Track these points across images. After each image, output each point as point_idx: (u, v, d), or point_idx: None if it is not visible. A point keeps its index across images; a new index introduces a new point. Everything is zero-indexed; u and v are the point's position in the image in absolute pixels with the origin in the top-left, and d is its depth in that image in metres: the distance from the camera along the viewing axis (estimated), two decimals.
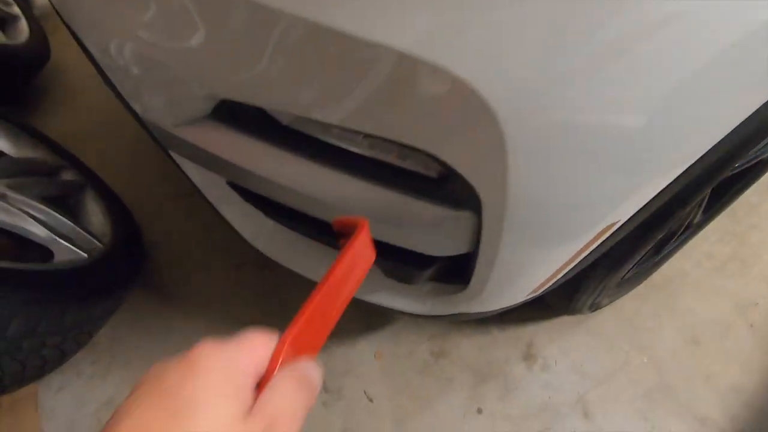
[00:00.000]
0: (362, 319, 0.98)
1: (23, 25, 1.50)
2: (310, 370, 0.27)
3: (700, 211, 0.93)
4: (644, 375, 0.95)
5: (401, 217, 0.48)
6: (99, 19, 0.50)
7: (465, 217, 0.45)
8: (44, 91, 1.52)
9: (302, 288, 0.72)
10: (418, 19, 0.32)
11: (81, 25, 0.55)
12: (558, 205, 0.41)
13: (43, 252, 0.80)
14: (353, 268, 0.34)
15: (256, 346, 0.26)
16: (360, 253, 0.34)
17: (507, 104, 0.33)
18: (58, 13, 0.61)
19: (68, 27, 0.59)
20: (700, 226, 1.00)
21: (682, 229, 0.93)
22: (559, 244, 0.47)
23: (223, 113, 0.52)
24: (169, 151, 0.62)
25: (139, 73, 0.52)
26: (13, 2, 1.55)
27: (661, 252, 0.98)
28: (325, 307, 0.30)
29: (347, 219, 0.37)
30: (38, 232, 0.78)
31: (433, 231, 0.48)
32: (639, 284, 1.03)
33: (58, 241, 0.79)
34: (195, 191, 0.70)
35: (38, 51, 1.49)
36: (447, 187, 0.45)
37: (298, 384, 0.26)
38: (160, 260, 1.08)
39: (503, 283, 0.54)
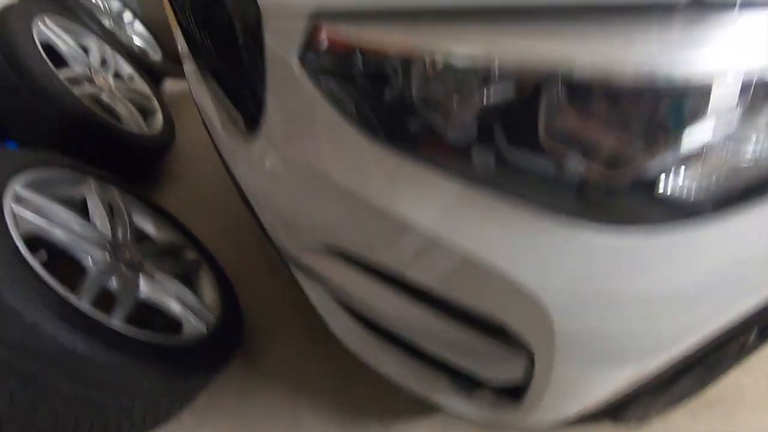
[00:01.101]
0: (415, 404, 1.06)
1: (159, 116, 1.85)
2: None
3: (753, 336, 0.95)
4: None
5: (463, 347, 0.62)
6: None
7: (518, 356, 0.58)
8: (163, 170, 1.80)
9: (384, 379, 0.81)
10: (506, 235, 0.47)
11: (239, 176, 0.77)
12: (601, 365, 0.53)
13: (170, 323, 0.98)
14: None
15: None
16: None
17: (562, 309, 0.47)
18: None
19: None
20: (757, 347, 1.01)
21: (738, 351, 0.95)
22: (603, 388, 0.59)
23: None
24: (290, 266, 0.81)
25: (275, 215, 0.72)
26: (153, 97, 1.92)
27: (715, 370, 1.00)
28: None
29: None
30: (175, 307, 0.98)
31: (493, 361, 0.61)
32: (692, 397, 1.04)
33: (188, 316, 0.99)
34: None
35: (169, 138, 1.81)
36: (504, 333, 0.58)
37: None
38: (253, 334, 1.21)
39: (553, 407, 0.64)
